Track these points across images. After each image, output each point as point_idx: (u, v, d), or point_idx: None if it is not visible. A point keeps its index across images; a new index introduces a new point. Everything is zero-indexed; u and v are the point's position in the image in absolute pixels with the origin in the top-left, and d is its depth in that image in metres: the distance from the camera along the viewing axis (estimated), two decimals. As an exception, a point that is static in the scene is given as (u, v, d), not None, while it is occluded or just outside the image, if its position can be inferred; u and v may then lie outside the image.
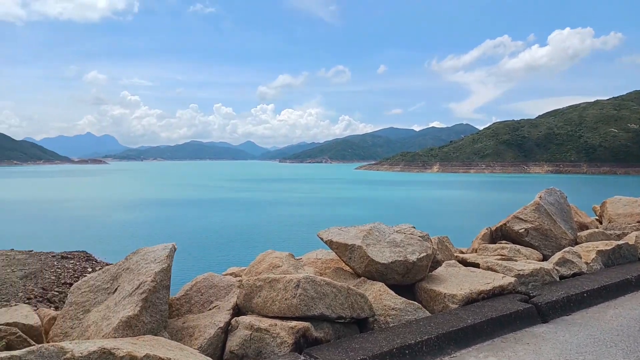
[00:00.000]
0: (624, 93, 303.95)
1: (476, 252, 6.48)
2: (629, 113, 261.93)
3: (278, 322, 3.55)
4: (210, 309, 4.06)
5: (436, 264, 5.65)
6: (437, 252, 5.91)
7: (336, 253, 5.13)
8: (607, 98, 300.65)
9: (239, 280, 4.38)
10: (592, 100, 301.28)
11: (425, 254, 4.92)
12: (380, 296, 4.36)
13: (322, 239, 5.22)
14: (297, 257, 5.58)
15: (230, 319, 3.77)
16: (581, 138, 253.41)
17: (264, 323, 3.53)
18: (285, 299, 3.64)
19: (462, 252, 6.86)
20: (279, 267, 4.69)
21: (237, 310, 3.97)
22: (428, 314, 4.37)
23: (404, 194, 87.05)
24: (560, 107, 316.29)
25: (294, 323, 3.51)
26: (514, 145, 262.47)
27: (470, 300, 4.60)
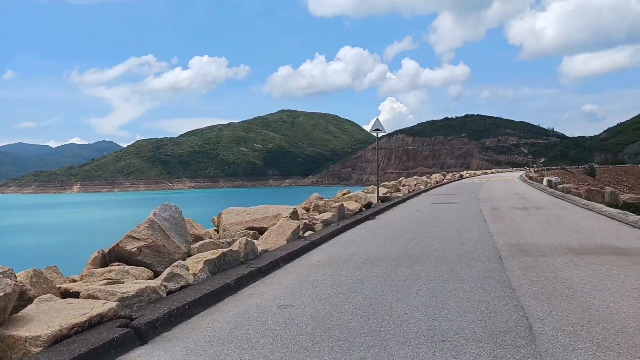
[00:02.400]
0: (251, 118, 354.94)
1: (82, 279, 5.86)
2: (255, 135, 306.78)
3: None
4: None
5: (27, 302, 4.76)
6: (30, 287, 5.01)
7: None
8: (238, 121, 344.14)
9: None
10: (227, 123, 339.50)
11: (2, 293, 4.03)
12: None
13: None
14: None
15: None
16: (218, 156, 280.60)
17: None
18: None
19: (74, 281, 6.12)
20: None
21: None
22: (-3, 369, 3.53)
23: (28, 219, 75.67)
24: (201, 127, 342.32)
25: None
26: (158, 162, 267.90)
27: (61, 338, 3.98)
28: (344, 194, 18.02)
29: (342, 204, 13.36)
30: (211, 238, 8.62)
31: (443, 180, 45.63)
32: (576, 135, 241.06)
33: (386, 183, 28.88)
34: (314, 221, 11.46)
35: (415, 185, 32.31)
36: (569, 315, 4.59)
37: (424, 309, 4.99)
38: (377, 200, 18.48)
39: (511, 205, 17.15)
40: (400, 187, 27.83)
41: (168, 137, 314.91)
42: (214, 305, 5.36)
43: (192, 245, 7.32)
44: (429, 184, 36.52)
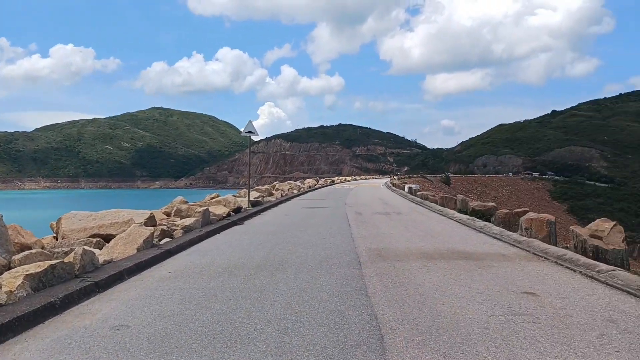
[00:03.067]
0: (119, 114, 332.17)
1: None
2: (123, 132, 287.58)
3: None
4: None
5: None
6: None
7: None
8: (105, 117, 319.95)
9: None
10: (91, 118, 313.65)
11: None
12: None
13: None
14: None
15: None
16: (80, 153, 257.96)
17: None
18: None
19: None
20: None
21: None
22: None
23: None
24: (60, 121, 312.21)
25: None
26: (8, 158, 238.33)
27: None
28: (212, 198, 17.26)
29: (208, 209, 12.65)
30: (44, 247, 7.47)
31: (316, 185, 46.63)
32: (435, 147, 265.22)
33: (259, 187, 28.55)
34: (174, 227, 10.64)
35: (288, 189, 32.47)
36: (419, 324, 4.58)
37: (277, 322, 4.66)
38: (248, 205, 18.01)
39: (375, 211, 17.82)
40: (274, 192, 27.68)
41: (20, 131, 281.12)
42: (30, 330, 4.47)
43: (14, 257, 6.19)
44: (302, 189, 36.99)
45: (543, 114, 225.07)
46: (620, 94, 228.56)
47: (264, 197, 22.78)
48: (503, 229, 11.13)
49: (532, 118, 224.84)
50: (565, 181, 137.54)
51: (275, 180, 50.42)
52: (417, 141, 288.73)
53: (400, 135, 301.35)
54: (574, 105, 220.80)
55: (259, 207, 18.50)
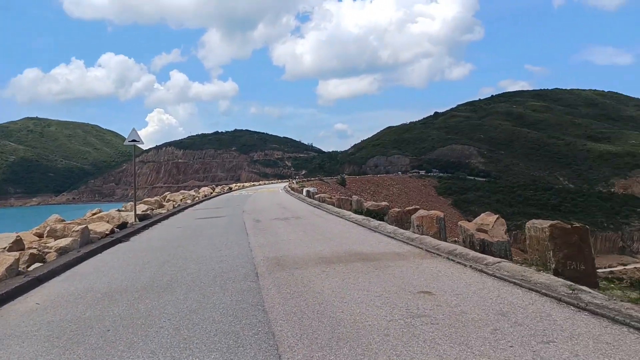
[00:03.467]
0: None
1: None
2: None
3: None
4: None
5: None
6: None
7: None
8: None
9: None
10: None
11: None
12: None
13: None
14: None
15: None
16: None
17: None
18: None
19: None
20: None
21: None
22: None
23: None
24: None
25: None
26: None
27: None
28: (93, 214, 15.78)
29: (87, 227, 11.45)
30: None
31: (212, 193, 45.18)
32: (331, 150, 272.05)
33: (148, 199, 26.87)
34: (47, 250, 9.43)
35: (181, 200, 30.99)
36: (319, 337, 4.33)
37: (163, 353, 4.15)
38: (135, 219, 16.74)
39: (273, 216, 17.51)
40: (165, 203, 26.22)
41: None
42: None
43: None
44: (197, 198, 35.58)
45: (426, 115, 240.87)
46: (492, 96, 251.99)
47: (153, 209, 21.43)
48: (396, 227, 11.40)
49: (417, 120, 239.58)
50: (448, 177, 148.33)
51: (168, 191, 48.18)
52: (313, 145, 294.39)
53: (297, 139, 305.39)
54: (454, 106, 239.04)
55: (147, 220, 17.29)
